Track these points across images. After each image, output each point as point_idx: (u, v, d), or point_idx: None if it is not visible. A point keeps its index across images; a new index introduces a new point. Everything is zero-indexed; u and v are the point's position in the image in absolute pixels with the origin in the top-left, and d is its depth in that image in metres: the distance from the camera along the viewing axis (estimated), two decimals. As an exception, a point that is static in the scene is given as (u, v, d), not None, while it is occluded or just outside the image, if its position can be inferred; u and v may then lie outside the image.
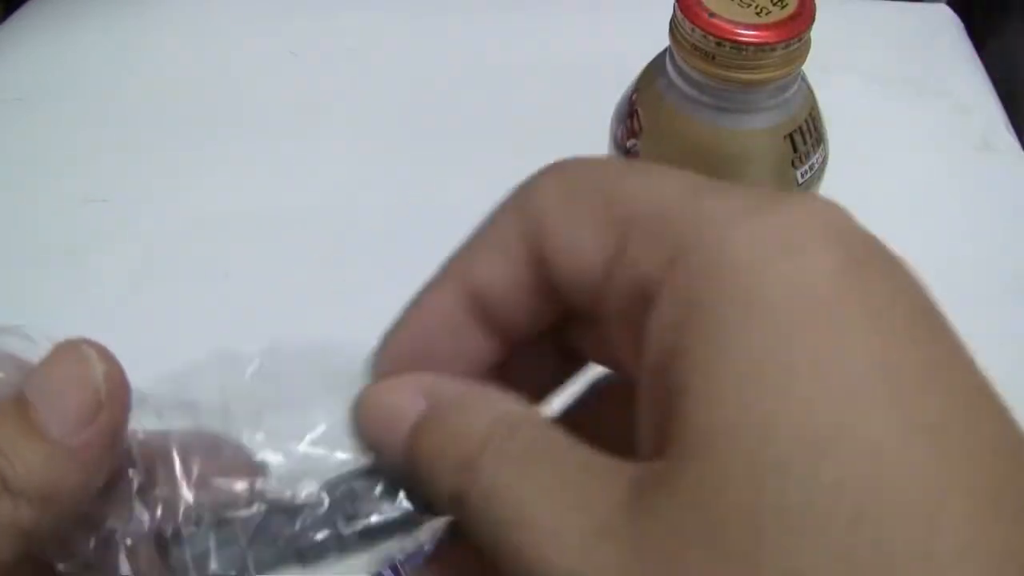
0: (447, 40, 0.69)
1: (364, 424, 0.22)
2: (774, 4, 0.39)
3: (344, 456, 0.23)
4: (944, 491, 0.15)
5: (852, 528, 0.15)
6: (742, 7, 0.39)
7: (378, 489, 0.22)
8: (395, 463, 0.21)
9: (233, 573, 0.21)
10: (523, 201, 0.21)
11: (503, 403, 0.21)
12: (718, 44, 0.38)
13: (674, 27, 0.40)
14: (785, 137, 0.42)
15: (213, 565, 0.21)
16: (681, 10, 0.39)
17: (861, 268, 0.17)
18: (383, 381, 0.22)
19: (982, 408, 0.16)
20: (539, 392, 0.23)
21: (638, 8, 0.55)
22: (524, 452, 0.19)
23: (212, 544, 0.22)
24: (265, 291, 0.52)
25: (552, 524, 0.18)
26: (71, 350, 0.21)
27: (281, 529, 0.22)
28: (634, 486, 0.18)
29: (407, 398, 0.21)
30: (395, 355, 0.22)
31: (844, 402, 0.16)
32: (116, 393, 0.21)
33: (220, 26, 0.72)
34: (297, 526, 0.22)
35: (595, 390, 0.24)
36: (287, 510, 0.22)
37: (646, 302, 0.18)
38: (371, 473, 0.22)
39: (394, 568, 0.40)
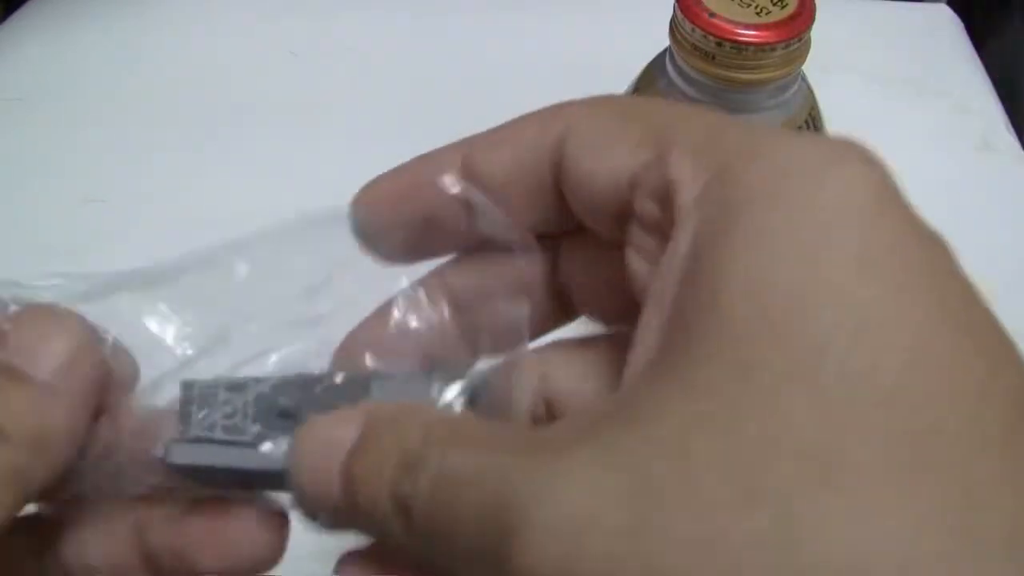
0: (447, 40, 0.69)
1: (298, 468, 0.21)
2: (774, 4, 0.39)
3: None
4: (983, 383, 0.15)
5: (885, 409, 0.15)
6: (742, 7, 0.39)
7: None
8: (330, 505, 0.20)
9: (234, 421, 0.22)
10: (551, 109, 0.21)
11: (439, 413, 0.21)
12: (718, 44, 0.38)
13: (674, 27, 0.40)
14: (785, 137, 0.42)
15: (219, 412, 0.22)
16: (681, 10, 0.39)
17: (896, 188, 0.17)
18: (317, 418, 0.21)
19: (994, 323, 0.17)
20: None
21: (638, 8, 0.55)
22: (473, 435, 0.19)
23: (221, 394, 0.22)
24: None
25: (517, 467, 0.17)
26: (46, 307, 0.21)
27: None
28: (618, 400, 0.17)
29: (342, 428, 0.20)
30: (375, 196, 0.22)
31: (886, 292, 0.16)
32: (95, 338, 0.21)
33: (220, 26, 0.72)
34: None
35: None
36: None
37: (678, 210, 0.18)
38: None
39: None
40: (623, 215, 0.20)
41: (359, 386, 0.22)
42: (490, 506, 0.17)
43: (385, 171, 0.23)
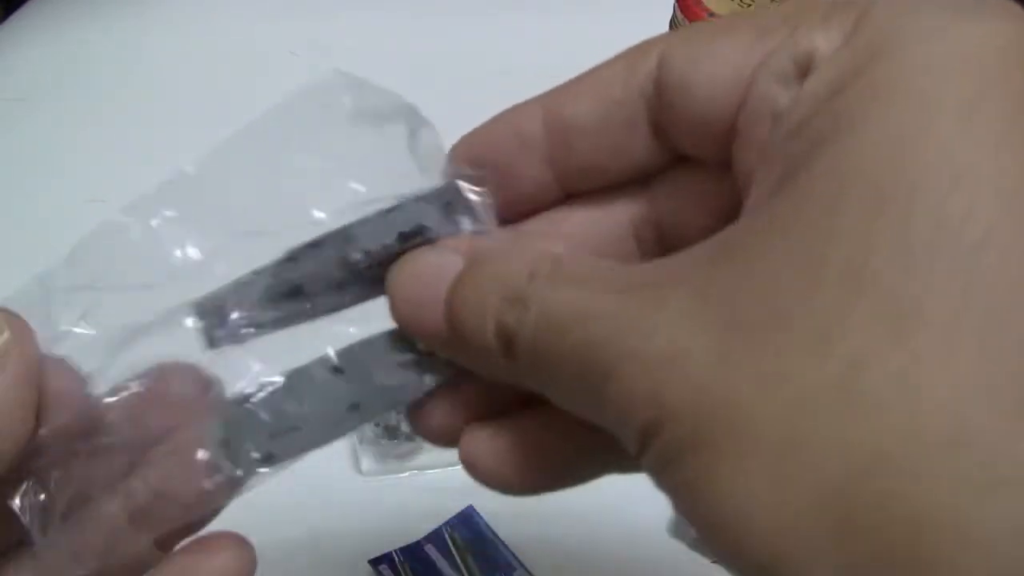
0: (446, 40, 0.69)
1: (400, 292, 0.22)
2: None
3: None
4: None
5: (974, 255, 0.15)
6: (741, 6, 0.39)
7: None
8: (434, 332, 0.21)
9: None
10: (634, 48, 0.21)
11: (544, 244, 0.21)
12: (717, 44, 0.38)
13: (674, 27, 0.41)
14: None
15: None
16: (681, 10, 0.39)
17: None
18: (420, 250, 0.22)
19: None
20: None
21: (638, 8, 0.55)
22: (576, 273, 0.19)
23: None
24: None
25: (616, 305, 0.18)
26: None
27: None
28: (700, 259, 0.18)
29: (445, 257, 0.21)
30: (469, 150, 0.23)
31: (985, 146, 0.16)
32: (22, 338, 0.21)
33: (220, 26, 0.72)
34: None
35: None
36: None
37: (811, 70, 0.18)
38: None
39: (390, 561, 0.40)
40: (730, 132, 0.20)
41: (342, 236, 0.22)
42: (592, 344, 0.18)
43: (470, 132, 0.23)
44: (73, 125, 0.63)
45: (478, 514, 0.42)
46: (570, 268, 0.19)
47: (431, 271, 0.21)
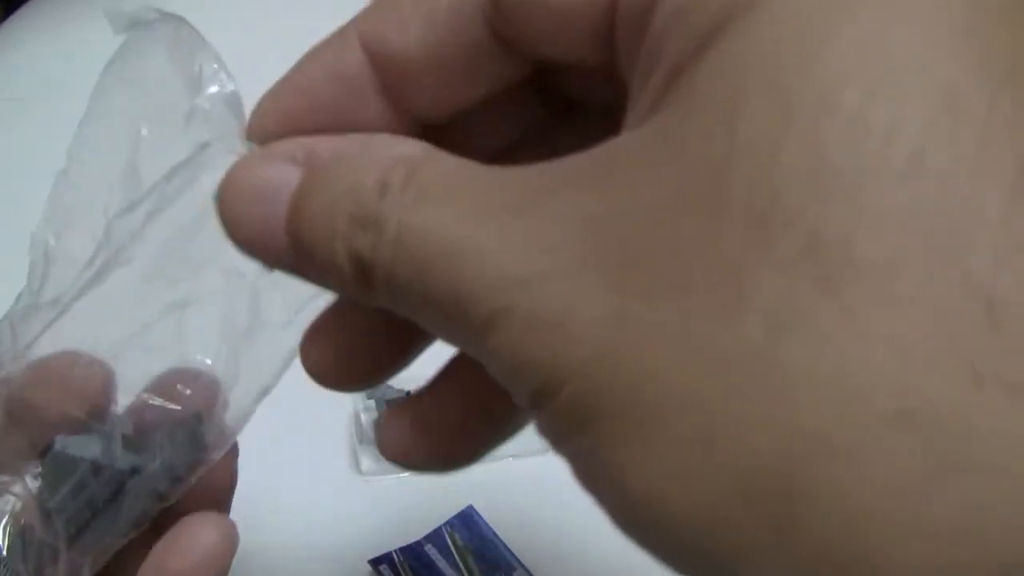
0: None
1: (232, 214, 0.18)
2: None
3: None
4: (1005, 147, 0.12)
5: (905, 182, 0.12)
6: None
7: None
8: (277, 256, 0.18)
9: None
10: None
11: (397, 146, 0.18)
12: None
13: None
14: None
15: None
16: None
17: None
18: (248, 157, 0.19)
19: None
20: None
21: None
22: (437, 185, 0.16)
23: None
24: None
25: (491, 240, 0.15)
26: None
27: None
28: (583, 168, 0.15)
29: (280, 169, 0.18)
30: (272, 119, 0.19)
31: (913, 44, 0.13)
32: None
33: (220, 26, 0.72)
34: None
35: None
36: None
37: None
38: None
39: (390, 561, 0.40)
40: (601, 27, 0.16)
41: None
42: (463, 289, 0.15)
43: (271, 89, 0.20)
44: (73, 125, 0.63)
45: (478, 514, 0.42)
46: (429, 177, 0.16)
47: (265, 187, 0.18)
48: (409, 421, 0.21)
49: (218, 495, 0.26)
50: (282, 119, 0.19)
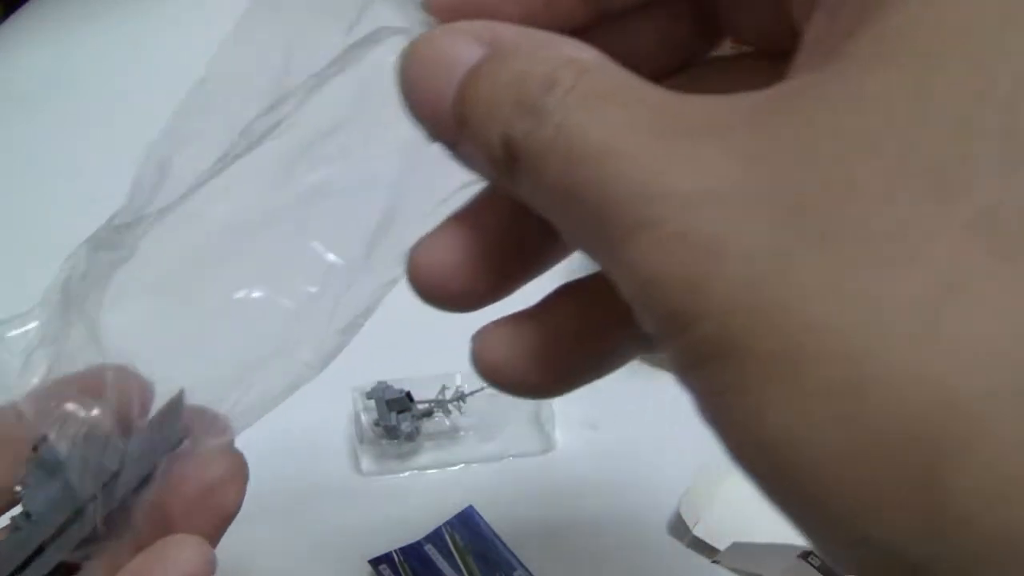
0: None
1: (410, 76, 0.19)
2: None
3: None
4: None
5: None
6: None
7: None
8: (442, 128, 0.18)
9: None
10: None
11: (574, 48, 0.18)
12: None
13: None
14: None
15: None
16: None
17: None
18: (435, 30, 0.19)
19: None
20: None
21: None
22: (605, 92, 0.16)
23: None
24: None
25: (655, 152, 0.15)
26: None
27: None
28: (759, 105, 0.15)
29: (463, 44, 0.18)
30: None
31: None
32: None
33: (220, 26, 0.72)
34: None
35: None
36: None
37: None
38: None
39: (390, 561, 0.40)
40: None
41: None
42: (613, 192, 0.15)
43: None
44: (73, 125, 0.63)
45: (478, 514, 0.42)
46: (599, 84, 0.16)
47: (445, 59, 0.18)
48: (510, 335, 0.20)
49: (214, 520, 0.26)
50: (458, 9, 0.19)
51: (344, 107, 0.22)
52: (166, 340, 0.24)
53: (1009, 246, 0.12)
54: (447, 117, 0.18)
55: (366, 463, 0.44)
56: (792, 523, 0.14)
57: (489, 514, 0.42)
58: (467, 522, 0.42)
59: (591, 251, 0.16)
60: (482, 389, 0.44)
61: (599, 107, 0.16)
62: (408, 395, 0.44)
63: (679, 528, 0.41)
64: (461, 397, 0.44)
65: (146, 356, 0.23)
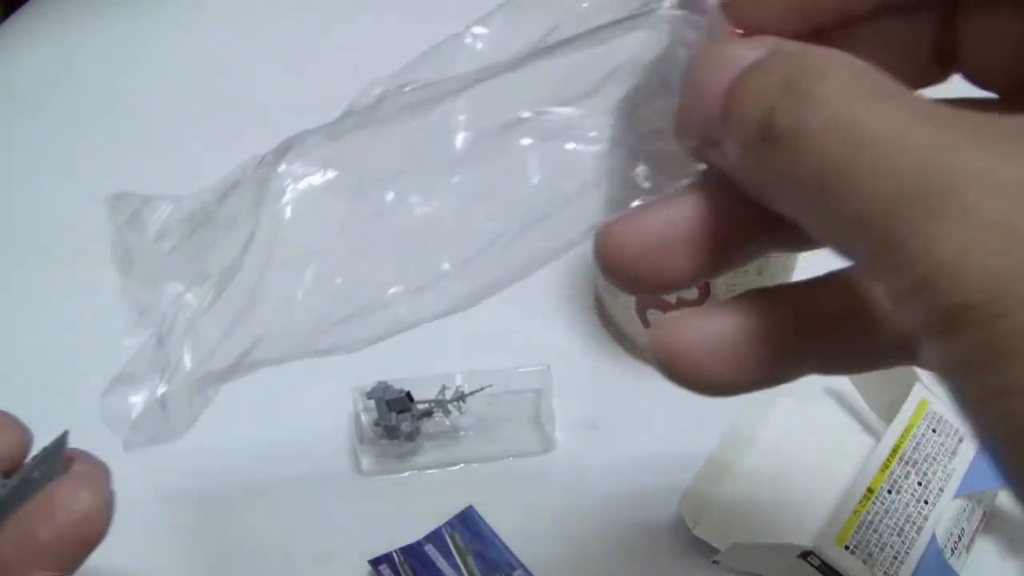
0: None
1: (699, 72, 0.19)
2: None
3: None
4: None
5: None
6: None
7: None
8: (704, 112, 0.18)
9: None
10: None
11: (852, 58, 0.17)
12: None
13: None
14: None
15: None
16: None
17: None
18: (724, 41, 0.19)
19: None
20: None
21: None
22: (877, 91, 0.16)
23: None
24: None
25: (971, 149, 0.14)
26: None
27: None
28: None
29: (748, 47, 0.18)
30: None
31: None
32: None
33: (221, 25, 0.72)
34: None
35: None
36: None
37: None
38: None
39: (390, 561, 0.40)
40: None
41: None
42: (894, 180, 0.14)
43: None
44: (73, 125, 0.63)
45: (478, 514, 0.42)
46: (877, 81, 0.16)
47: (728, 57, 0.18)
48: (710, 330, 0.19)
49: (79, 549, 0.26)
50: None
51: (587, 79, 0.21)
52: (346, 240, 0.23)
53: None
54: (713, 106, 0.18)
55: (366, 463, 0.44)
56: None
57: (489, 514, 0.42)
58: (467, 522, 0.42)
59: (845, 241, 0.16)
60: (482, 389, 0.44)
61: (878, 101, 0.15)
62: (408, 395, 0.44)
63: (679, 528, 0.41)
64: (461, 397, 0.44)
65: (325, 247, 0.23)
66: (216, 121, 0.63)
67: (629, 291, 0.20)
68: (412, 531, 0.42)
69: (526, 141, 0.22)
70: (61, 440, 0.27)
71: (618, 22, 0.21)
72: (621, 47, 0.21)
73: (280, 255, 0.23)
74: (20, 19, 0.73)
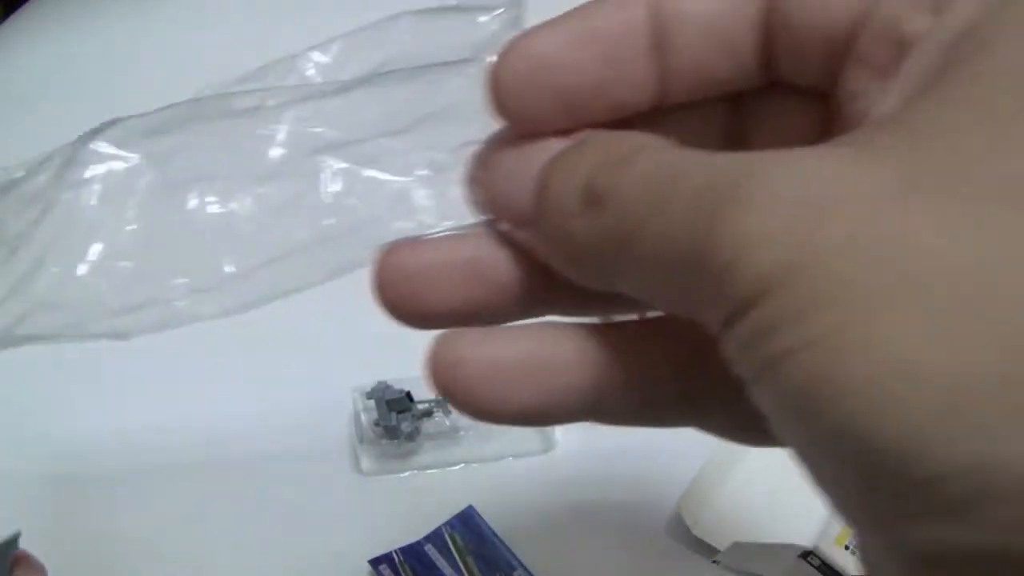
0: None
1: (506, 160, 0.19)
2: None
3: None
4: None
5: None
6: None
7: None
8: (519, 213, 0.19)
9: None
10: None
11: (656, 136, 0.18)
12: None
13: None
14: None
15: None
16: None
17: None
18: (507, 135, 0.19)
19: None
20: None
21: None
22: (692, 152, 0.16)
23: None
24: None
25: (770, 155, 0.15)
26: None
27: None
28: (863, 133, 0.15)
29: (549, 143, 0.19)
30: (531, 55, 0.19)
31: None
32: None
33: (220, 26, 0.72)
34: None
35: None
36: None
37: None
38: None
39: (390, 561, 0.40)
40: (836, 51, 0.18)
41: None
42: (709, 184, 0.15)
43: (536, 25, 0.19)
44: (73, 125, 0.63)
45: (478, 514, 0.42)
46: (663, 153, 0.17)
47: (540, 145, 0.19)
48: (513, 354, 0.19)
49: None
50: (535, 64, 0.19)
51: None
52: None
53: None
54: (525, 190, 0.18)
55: (366, 463, 0.44)
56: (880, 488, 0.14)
57: (489, 514, 0.42)
58: (467, 522, 0.42)
59: (664, 273, 0.16)
60: (482, 389, 0.44)
61: (683, 148, 0.16)
62: (408, 395, 0.44)
63: (679, 528, 0.41)
64: (461, 397, 0.44)
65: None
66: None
67: (398, 317, 0.20)
68: (412, 531, 0.42)
69: (334, 163, 0.23)
70: (12, 542, 0.27)
71: (444, 65, 0.21)
72: (443, 91, 0.22)
73: (72, 230, 0.23)
74: (20, 19, 0.73)
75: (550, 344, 0.19)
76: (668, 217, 0.15)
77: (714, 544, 0.40)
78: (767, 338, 0.14)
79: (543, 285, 0.20)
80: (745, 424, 0.17)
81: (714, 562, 0.40)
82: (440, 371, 0.19)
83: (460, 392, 0.19)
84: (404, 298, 0.20)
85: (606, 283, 0.18)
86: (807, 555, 0.37)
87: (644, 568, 0.42)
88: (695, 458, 0.42)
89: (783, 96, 0.20)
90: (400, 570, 0.40)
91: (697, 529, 0.40)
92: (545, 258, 0.19)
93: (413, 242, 0.20)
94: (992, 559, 0.13)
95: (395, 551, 0.41)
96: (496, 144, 0.19)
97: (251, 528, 0.43)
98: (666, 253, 0.16)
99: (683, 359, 0.19)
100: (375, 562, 0.40)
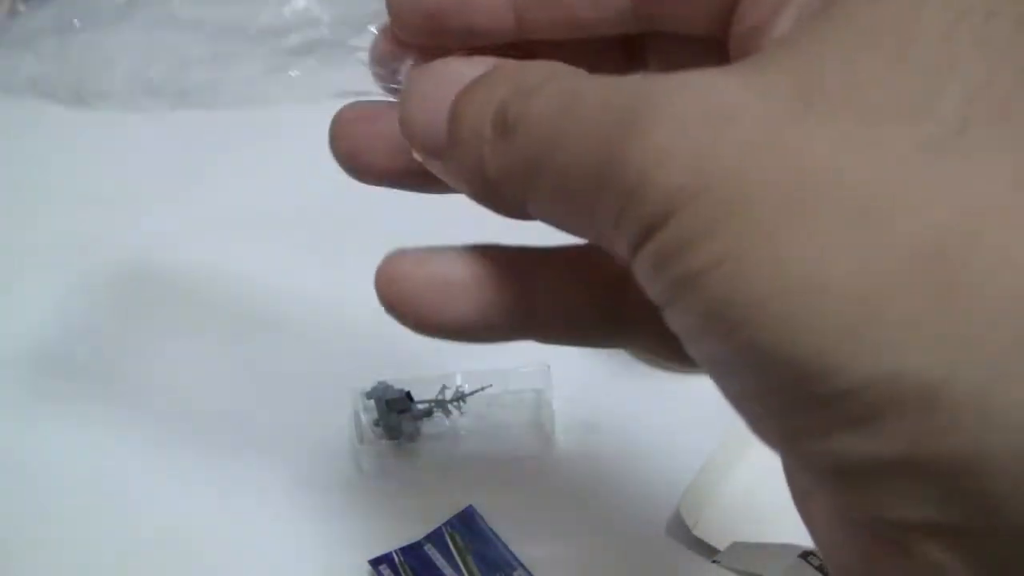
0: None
1: (422, 87, 0.20)
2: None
3: None
4: None
5: None
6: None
7: None
8: (433, 139, 0.19)
9: None
10: None
11: (565, 65, 0.18)
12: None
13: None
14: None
15: None
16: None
17: None
18: (450, 60, 0.20)
19: None
20: None
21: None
22: (566, 87, 0.17)
23: None
24: (268, 288, 0.52)
25: (672, 76, 0.15)
26: None
27: None
28: (772, 48, 0.16)
29: (466, 66, 0.19)
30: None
31: None
32: None
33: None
34: None
35: None
36: None
37: None
38: None
39: (390, 561, 0.40)
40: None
41: None
42: (613, 106, 0.15)
43: None
44: (74, 125, 0.63)
45: (478, 514, 0.42)
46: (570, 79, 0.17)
47: (444, 76, 0.19)
48: (430, 271, 0.20)
49: None
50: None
51: None
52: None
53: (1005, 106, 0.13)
54: (438, 118, 0.19)
55: (366, 463, 0.44)
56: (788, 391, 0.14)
57: (489, 514, 0.42)
58: (467, 522, 0.42)
59: (573, 195, 0.16)
60: (482, 389, 0.44)
61: (589, 75, 0.17)
62: (408, 395, 0.44)
63: (679, 528, 0.41)
64: (461, 397, 0.44)
65: None
66: (218, 120, 0.63)
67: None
68: (412, 531, 0.42)
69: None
70: None
71: None
72: None
73: None
74: (20, 19, 0.73)
75: (484, 264, 0.20)
76: (576, 140, 0.16)
77: (714, 544, 0.40)
78: (674, 259, 0.14)
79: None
80: (671, 345, 0.17)
81: (714, 562, 0.40)
82: (385, 285, 0.20)
83: (401, 304, 0.20)
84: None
85: (519, 211, 0.18)
86: (807, 555, 0.37)
87: (644, 568, 0.42)
88: (695, 458, 0.42)
89: (679, 46, 0.20)
90: (400, 570, 0.40)
91: (697, 529, 0.40)
92: (458, 187, 0.19)
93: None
94: (898, 469, 0.13)
95: (395, 551, 0.41)
96: (420, 74, 0.20)
97: (251, 528, 0.43)
98: (576, 176, 0.16)
99: (607, 282, 0.19)
100: (375, 562, 0.40)
